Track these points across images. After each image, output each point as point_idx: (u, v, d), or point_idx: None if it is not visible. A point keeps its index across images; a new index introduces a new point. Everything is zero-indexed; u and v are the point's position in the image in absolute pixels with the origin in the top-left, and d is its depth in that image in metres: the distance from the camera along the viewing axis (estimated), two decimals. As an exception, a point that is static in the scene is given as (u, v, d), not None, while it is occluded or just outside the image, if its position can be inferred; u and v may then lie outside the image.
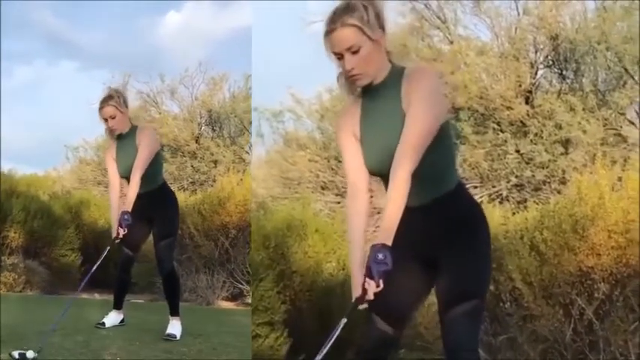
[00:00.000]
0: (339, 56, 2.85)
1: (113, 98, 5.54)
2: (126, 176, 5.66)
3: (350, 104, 3.07)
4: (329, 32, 2.82)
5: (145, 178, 5.55)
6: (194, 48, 17.06)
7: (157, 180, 5.78)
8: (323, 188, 10.15)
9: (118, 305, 6.04)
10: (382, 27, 2.85)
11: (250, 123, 12.22)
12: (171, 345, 5.41)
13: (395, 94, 2.87)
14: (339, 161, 9.75)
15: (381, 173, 2.95)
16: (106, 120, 5.58)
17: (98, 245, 9.61)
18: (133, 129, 5.69)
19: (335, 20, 2.81)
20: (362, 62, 2.83)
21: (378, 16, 2.84)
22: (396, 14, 9.68)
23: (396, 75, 2.90)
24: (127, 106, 5.65)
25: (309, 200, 8.34)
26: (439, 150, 2.87)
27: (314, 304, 6.50)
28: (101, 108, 5.55)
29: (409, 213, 2.77)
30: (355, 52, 2.81)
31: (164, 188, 5.93)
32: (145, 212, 5.57)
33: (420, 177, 2.79)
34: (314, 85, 10.40)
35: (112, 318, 6.00)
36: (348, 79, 2.90)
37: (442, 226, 2.94)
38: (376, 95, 2.93)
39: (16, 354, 4.54)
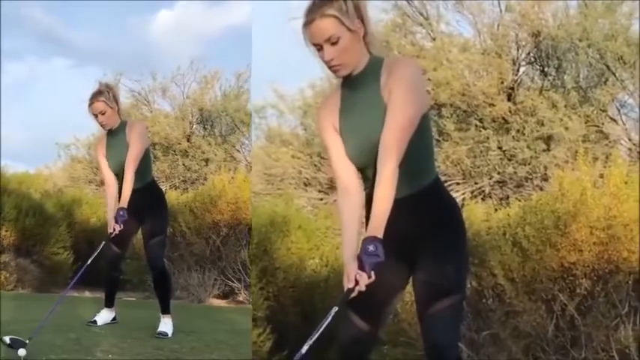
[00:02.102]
0: (319, 47, 2.76)
1: (103, 94, 5.40)
2: (117, 172, 5.53)
3: (329, 95, 3.01)
4: (308, 23, 2.75)
5: (136, 174, 5.41)
6: (185, 46, 16.96)
7: (147, 177, 5.63)
8: (306, 184, 10.05)
9: (109, 303, 5.90)
10: (362, 18, 2.76)
11: (242, 122, 12.17)
12: (163, 342, 5.30)
13: (374, 84, 2.79)
14: (322, 158, 9.81)
15: (362, 166, 2.87)
16: (95, 116, 5.44)
17: (90, 243, 9.56)
18: (123, 124, 5.54)
19: (314, 11, 2.73)
20: (341, 53, 2.75)
21: (357, 7, 2.75)
22: (378, 11, 9.73)
23: (376, 65, 2.82)
24: (117, 102, 5.49)
25: (292, 196, 8.33)
26: (420, 141, 2.78)
27: (297, 301, 6.45)
28: (91, 104, 5.41)
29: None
30: (334, 43, 2.74)
31: (153, 185, 5.80)
32: (134, 209, 5.40)
33: (400, 168, 2.72)
34: (297, 81, 10.33)
35: (104, 316, 5.85)
36: (328, 69, 2.83)
37: (421, 220, 2.85)
38: (356, 86, 2.85)
39: (7, 339, 4.40)
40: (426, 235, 2.84)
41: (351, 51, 2.76)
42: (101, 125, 5.51)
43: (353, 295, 2.66)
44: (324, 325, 2.65)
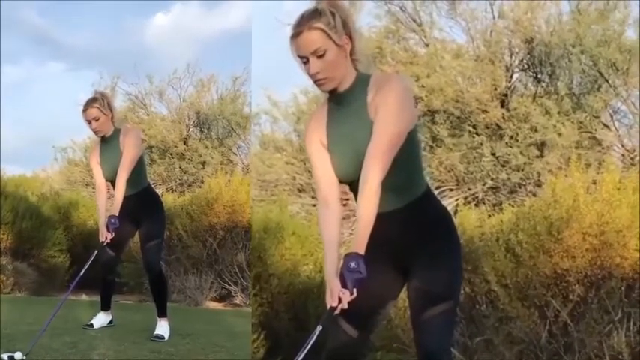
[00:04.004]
0: (305, 60, 2.74)
1: (97, 100, 5.40)
2: (111, 179, 5.51)
3: (317, 110, 2.98)
4: (295, 35, 2.74)
5: (131, 181, 5.41)
6: (182, 50, 16.86)
7: (142, 182, 5.62)
8: (300, 191, 9.96)
9: (105, 306, 5.88)
10: (349, 34, 2.76)
11: (238, 125, 12.11)
12: (160, 345, 5.28)
13: (361, 101, 2.77)
14: None
15: (349, 182, 2.86)
16: (89, 122, 5.42)
17: (87, 246, 9.47)
18: (117, 131, 5.51)
19: (302, 24, 2.73)
20: (327, 67, 2.74)
21: (345, 23, 2.75)
22: (372, 17, 9.69)
23: (362, 82, 2.80)
24: (111, 109, 5.48)
25: (285, 203, 8.25)
26: (408, 157, 2.77)
27: (291, 307, 6.36)
28: (85, 110, 5.40)
29: (380, 218, 2.70)
30: (320, 56, 2.72)
31: (149, 190, 5.78)
32: (130, 214, 5.45)
33: (389, 183, 2.71)
34: (291, 87, 10.28)
35: (101, 319, 5.83)
36: (314, 83, 2.81)
37: (414, 231, 2.85)
38: (342, 103, 2.83)
39: (5, 357, 4.45)
40: (419, 244, 2.84)
41: (337, 65, 2.74)
42: (94, 132, 5.50)
43: (336, 312, 2.66)
44: (309, 345, 2.64)
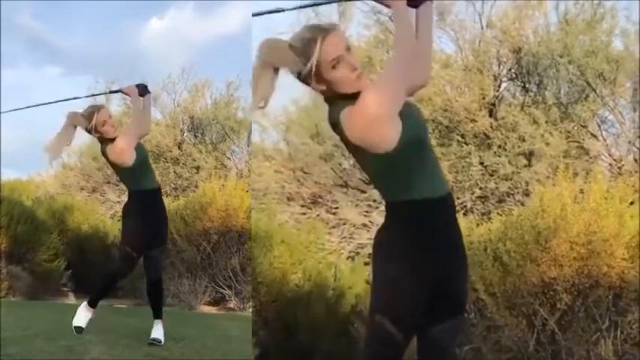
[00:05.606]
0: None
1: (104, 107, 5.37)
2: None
3: None
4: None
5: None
6: (176, 54, 16.78)
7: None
8: (289, 199, 9.88)
9: (93, 302, 5.38)
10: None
11: (232, 129, 12.03)
12: (154, 349, 5.20)
13: None
14: (305, 172, 9.70)
15: None
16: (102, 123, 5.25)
17: (82, 250, 9.53)
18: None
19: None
20: None
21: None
22: (361, 27, 9.65)
23: None
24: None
25: (274, 211, 8.13)
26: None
27: (280, 315, 6.24)
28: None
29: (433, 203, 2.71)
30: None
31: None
32: None
33: (429, 169, 2.71)
34: (280, 97, 10.24)
35: (81, 314, 5.36)
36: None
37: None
38: None
39: None
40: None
41: None
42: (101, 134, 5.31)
43: None
44: None
